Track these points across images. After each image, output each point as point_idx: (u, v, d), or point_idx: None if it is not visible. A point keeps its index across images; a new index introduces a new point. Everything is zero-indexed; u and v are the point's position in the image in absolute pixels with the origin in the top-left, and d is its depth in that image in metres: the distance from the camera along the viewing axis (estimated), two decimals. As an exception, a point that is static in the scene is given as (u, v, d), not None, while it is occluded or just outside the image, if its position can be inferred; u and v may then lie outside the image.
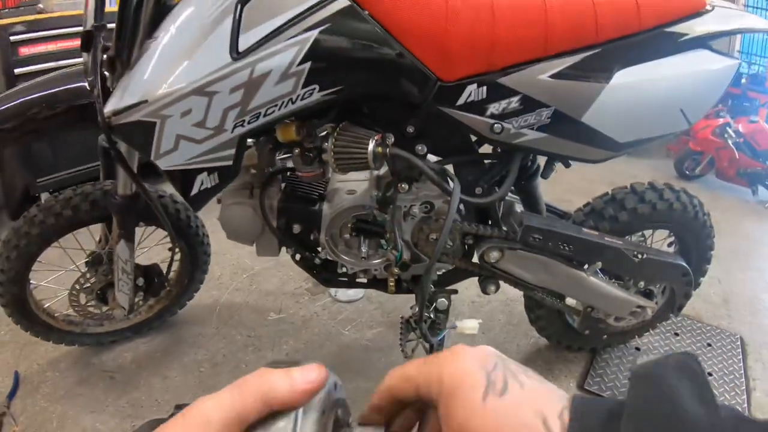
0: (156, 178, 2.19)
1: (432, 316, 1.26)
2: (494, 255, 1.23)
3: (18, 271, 1.44)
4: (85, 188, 1.45)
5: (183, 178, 1.08)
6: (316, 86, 1.02)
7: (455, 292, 1.32)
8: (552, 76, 1.09)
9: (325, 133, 1.15)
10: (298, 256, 1.36)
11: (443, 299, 1.26)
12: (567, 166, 1.29)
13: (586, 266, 1.29)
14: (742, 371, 1.67)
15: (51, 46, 2.35)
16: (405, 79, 1.07)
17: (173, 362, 1.64)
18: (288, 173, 1.34)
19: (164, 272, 1.58)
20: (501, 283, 1.37)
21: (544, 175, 1.34)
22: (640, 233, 1.48)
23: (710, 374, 1.66)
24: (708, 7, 1.17)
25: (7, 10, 2.51)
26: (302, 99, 1.02)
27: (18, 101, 1.34)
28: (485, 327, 1.79)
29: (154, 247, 1.67)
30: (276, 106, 1.02)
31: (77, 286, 1.51)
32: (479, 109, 1.10)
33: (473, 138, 1.21)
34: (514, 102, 1.09)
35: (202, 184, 1.09)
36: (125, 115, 1.01)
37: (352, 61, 1.04)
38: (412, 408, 0.35)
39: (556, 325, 1.61)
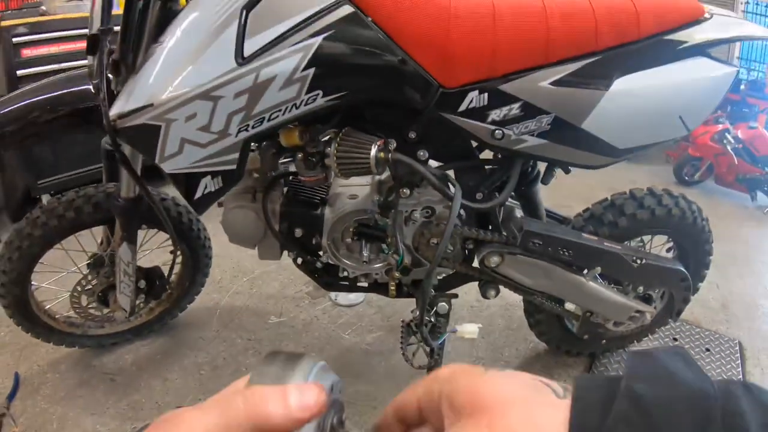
0: (158, 181, 2.21)
1: (432, 320, 1.27)
2: (494, 260, 1.24)
3: (20, 272, 1.44)
4: (87, 190, 1.46)
5: (187, 182, 1.09)
6: (320, 92, 1.03)
7: (456, 296, 1.33)
8: (552, 83, 1.10)
9: (327, 138, 1.16)
10: (299, 260, 1.37)
11: (444, 303, 1.27)
12: (567, 172, 1.31)
13: (585, 271, 1.30)
14: (741, 376, 1.68)
15: (53, 49, 2.36)
16: (407, 85, 1.08)
17: (174, 365, 1.64)
18: (290, 177, 1.35)
19: (165, 275, 1.59)
20: (501, 287, 1.38)
21: (544, 180, 1.35)
22: (638, 239, 1.49)
23: (709, 379, 1.67)
24: (707, 15, 1.18)
25: (9, 12, 2.53)
26: (306, 104, 1.03)
27: (21, 104, 1.35)
28: (484, 331, 1.80)
29: (155, 249, 1.67)
30: (280, 111, 1.03)
31: (79, 288, 1.52)
32: (481, 115, 1.11)
33: (474, 144, 1.22)
34: (515, 108, 1.11)
35: (206, 187, 1.10)
36: (130, 118, 1.02)
37: (356, 67, 1.05)
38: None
39: (555, 330, 1.61)
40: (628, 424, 0.25)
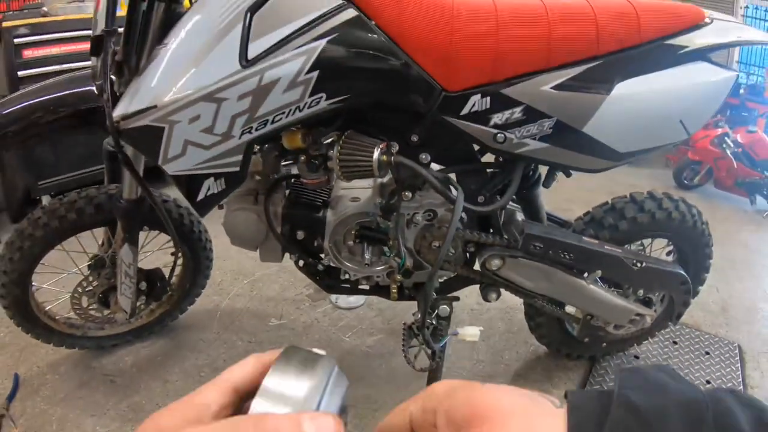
0: (160, 183, 2.21)
1: (434, 322, 1.27)
2: (496, 263, 1.24)
3: (21, 272, 1.44)
4: (89, 192, 1.46)
5: (190, 183, 1.09)
6: (324, 95, 1.03)
7: (457, 299, 1.33)
8: (554, 87, 1.11)
9: (330, 140, 1.16)
10: (301, 263, 1.37)
11: (445, 306, 1.27)
12: (568, 175, 1.31)
13: (586, 274, 1.31)
14: (740, 379, 1.68)
15: (55, 50, 2.36)
16: (410, 88, 1.09)
17: (174, 367, 1.64)
18: (292, 180, 1.35)
19: (166, 277, 1.59)
20: (502, 290, 1.38)
21: (545, 184, 1.35)
22: (639, 242, 1.50)
23: (708, 382, 1.67)
24: (707, 20, 1.19)
25: (11, 13, 2.53)
26: (309, 107, 1.04)
27: (23, 105, 1.35)
28: (485, 335, 1.80)
29: (156, 251, 1.67)
30: (283, 113, 1.03)
31: (79, 289, 1.51)
32: (483, 119, 1.11)
33: (476, 147, 1.23)
34: (517, 112, 1.11)
35: (208, 189, 1.10)
36: (134, 119, 1.02)
37: (359, 71, 1.05)
38: None
39: (555, 333, 1.62)
40: (625, 429, 0.26)
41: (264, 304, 1.95)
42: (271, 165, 1.28)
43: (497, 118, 1.12)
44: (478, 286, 1.40)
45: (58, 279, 1.62)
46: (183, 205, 1.57)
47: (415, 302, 1.38)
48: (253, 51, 0.99)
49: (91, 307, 1.56)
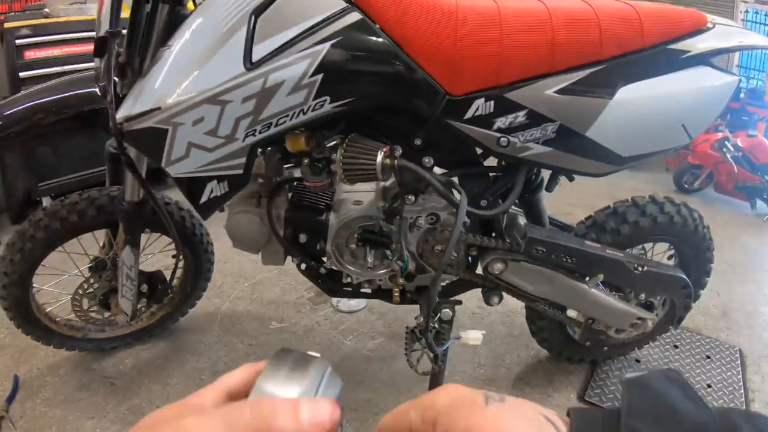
0: (162, 185, 2.21)
1: (436, 326, 1.27)
2: (498, 266, 1.24)
3: (21, 274, 1.44)
4: (91, 193, 1.45)
5: (193, 186, 1.09)
6: (328, 98, 1.03)
7: (459, 302, 1.33)
8: (558, 92, 1.11)
9: (333, 143, 1.16)
10: (303, 266, 1.37)
11: (447, 310, 1.27)
12: (571, 179, 1.31)
13: (587, 278, 1.31)
14: (741, 383, 1.68)
15: (56, 51, 2.37)
16: (414, 92, 1.09)
17: (174, 369, 1.64)
18: (295, 183, 1.35)
19: (168, 279, 1.58)
20: (504, 294, 1.38)
21: (548, 188, 1.35)
22: (640, 246, 1.50)
23: (709, 386, 1.67)
24: (709, 25, 1.19)
25: (13, 14, 2.53)
26: (313, 110, 1.04)
27: (25, 106, 1.36)
28: (486, 338, 1.79)
29: (157, 253, 1.67)
30: (287, 116, 1.03)
31: (80, 291, 1.51)
32: (486, 123, 1.11)
33: (479, 151, 1.23)
34: (520, 116, 1.11)
35: (211, 192, 1.10)
36: (137, 121, 1.02)
37: (363, 74, 1.05)
38: None
39: (557, 337, 1.61)
40: None
41: (265, 307, 1.94)
42: (274, 168, 1.27)
43: (501, 122, 1.12)
44: (479, 289, 1.40)
45: (59, 281, 1.62)
46: (185, 208, 1.57)
47: (417, 306, 1.38)
48: (258, 53, 0.99)
49: (91, 309, 1.56)
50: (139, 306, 1.55)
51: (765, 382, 1.70)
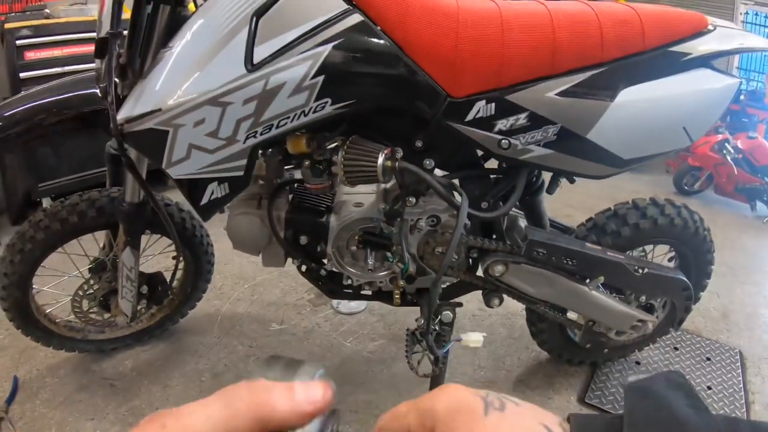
0: (162, 187, 2.21)
1: (437, 328, 1.26)
2: (499, 269, 1.24)
3: (21, 275, 1.44)
4: (91, 194, 1.45)
5: (194, 187, 1.09)
6: (329, 99, 1.03)
7: (460, 305, 1.33)
8: (559, 94, 1.11)
9: (334, 145, 1.16)
10: (304, 268, 1.37)
11: (448, 312, 1.27)
12: (572, 182, 1.31)
13: (588, 281, 1.30)
14: (742, 385, 1.68)
15: (57, 52, 2.37)
16: (416, 94, 1.09)
17: (174, 371, 1.64)
18: (296, 185, 1.35)
19: (168, 280, 1.58)
20: (504, 296, 1.38)
21: (549, 190, 1.35)
22: (641, 248, 1.50)
23: (709, 388, 1.67)
24: (710, 27, 1.19)
25: (13, 14, 2.53)
26: (314, 112, 1.03)
27: (25, 106, 1.36)
28: (486, 340, 1.78)
29: (157, 255, 1.67)
30: (288, 118, 1.03)
31: (80, 293, 1.51)
32: (487, 125, 1.11)
33: (480, 153, 1.23)
34: (521, 118, 1.11)
35: (212, 193, 1.10)
36: (138, 122, 1.02)
37: (365, 76, 1.05)
38: None
39: (557, 339, 1.61)
40: None
41: (265, 309, 1.94)
42: (275, 169, 1.27)
43: (502, 124, 1.12)
44: (479, 291, 1.40)
45: (59, 282, 1.62)
46: (185, 209, 1.57)
47: (417, 308, 1.38)
48: (259, 55, 0.99)
49: (91, 311, 1.56)
50: (139, 307, 1.55)
51: (765, 384, 1.70)
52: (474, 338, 1.21)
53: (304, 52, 0.99)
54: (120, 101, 1.06)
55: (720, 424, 0.26)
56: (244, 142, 1.04)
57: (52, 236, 1.42)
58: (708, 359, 1.80)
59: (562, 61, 1.10)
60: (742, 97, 3.60)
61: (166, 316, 1.72)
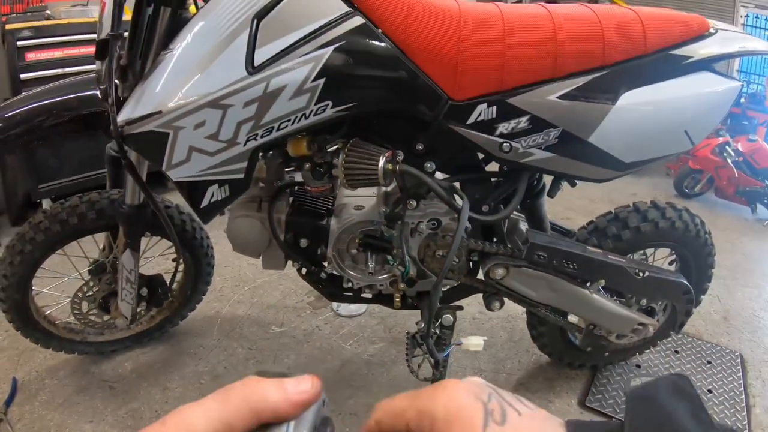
0: (162, 189, 2.20)
1: (437, 332, 1.26)
2: (499, 272, 1.24)
3: (21, 276, 1.44)
4: (91, 196, 1.45)
5: (194, 190, 1.09)
6: (330, 102, 1.03)
7: (461, 308, 1.32)
8: (560, 97, 1.10)
9: (335, 148, 1.16)
10: (304, 270, 1.36)
11: (449, 315, 1.27)
12: (573, 185, 1.31)
13: (589, 284, 1.30)
14: (742, 388, 1.68)
15: (57, 53, 2.37)
16: (417, 97, 1.08)
17: (174, 373, 1.63)
18: (296, 187, 1.34)
19: (167, 283, 1.58)
20: (505, 299, 1.37)
21: (550, 193, 1.35)
22: (641, 251, 1.49)
23: (710, 391, 1.67)
24: (711, 30, 1.19)
25: (14, 15, 2.53)
26: (315, 114, 1.03)
27: (25, 107, 1.35)
28: (487, 344, 1.77)
29: (157, 257, 1.67)
30: (289, 120, 1.03)
31: (80, 294, 1.51)
32: (489, 128, 1.11)
33: (481, 156, 1.22)
34: (523, 122, 1.11)
35: (212, 196, 1.09)
36: (138, 124, 1.01)
37: (366, 79, 1.05)
38: None
39: (557, 342, 1.61)
40: None
41: (265, 312, 1.94)
42: (275, 172, 1.27)
43: (503, 128, 1.11)
44: (480, 294, 1.40)
45: (59, 283, 1.61)
46: (185, 211, 1.57)
47: (418, 311, 1.37)
48: (260, 57, 0.99)
49: (91, 313, 1.56)
50: (138, 309, 1.54)
51: (766, 387, 1.70)
52: (474, 342, 1.21)
53: (305, 54, 0.99)
54: (120, 103, 1.06)
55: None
56: (245, 145, 1.04)
57: (51, 238, 1.42)
58: (709, 362, 1.79)
59: (564, 64, 1.10)
60: (742, 100, 3.60)
61: (166, 318, 1.72)
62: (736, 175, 3.10)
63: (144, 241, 1.49)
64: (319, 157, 1.15)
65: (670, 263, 1.57)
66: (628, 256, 1.40)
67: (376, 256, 1.29)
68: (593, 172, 1.20)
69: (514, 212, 1.36)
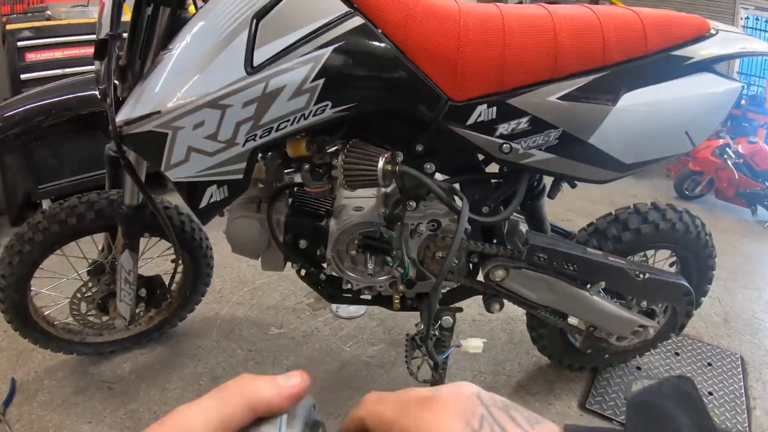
0: (161, 189, 2.20)
1: (437, 333, 1.26)
2: (499, 274, 1.23)
3: (20, 277, 1.43)
4: (90, 196, 1.45)
5: (193, 190, 1.08)
6: (329, 103, 1.02)
7: (460, 310, 1.32)
8: (561, 98, 1.10)
9: (334, 149, 1.15)
10: (303, 272, 1.36)
11: (448, 317, 1.26)
12: (573, 186, 1.30)
13: (589, 286, 1.30)
14: (743, 390, 1.67)
15: (58, 53, 2.37)
16: (416, 97, 1.08)
17: (172, 374, 1.63)
18: (295, 188, 1.34)
19: (166, 284, 1.57)
20: (504, 301, 1.37)
21: (550, 195, 1.34)
22: (642, 253, 1.49)
23: (710, 393, 1.66)
24: (712, 31, 1.19)
25: (15, 16, 2.53)
26: (314, 115, 1.03)
27: (25, 107, 1.35)
28: (486, 345, 1.77)
29: (156, 258, 1.66)
30: (288, 121, 1.02)
31: (78, 295, 1.50)
32: (489, 129, 1.11)
33: (481, 157, 1.22)
34: (523, 123, 1.10)
35: (211, 196, 1.09)
36: (137, 125, 1.01)
37: (365, 79, 1.05)
38: None
39: (558, 344, 1.60)
40: None
41: (264, 313, 1.93)
42: (275, 173, 1.27)
43: (503, 128, 1.11)
44: (479, 296, 1.39)
45: (58, 284, 1.61)
46: (184, 212, 1.57)
47: (417, 312, 1.37)
48: (259, 58, 0.99)
49: (89, 313, 1.55)
50: (137, 310, 1.54)
51: (766, 389, 1.69)
52: (474, 344, 1.20)
53: (304, 54, 0.99)
54: (119, 103, 1.05)
55: None
56: (244, 145, 1.04)
57: (50, 238, 1.41)
58: (709, 364, 1.79)
59: (564, 65, 1.10)
60: (743, 102, 3.59)
61: (165, 319, 1.71)
62: (737, 177, 3.10)
63: (143, 241, 1.49)
64: (319, 157, 1.15)
65: (671, 265, 1.56)
66: (629, 257, 1.40)
67: (375, 257, 1.28)
68: (593, 174, 1.20)
69: (514, 214, 1.35)
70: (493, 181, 1.27)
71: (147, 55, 1.08)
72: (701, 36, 1.17)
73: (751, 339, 1.94)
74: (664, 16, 1.16)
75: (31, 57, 2.31)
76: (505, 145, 1.12)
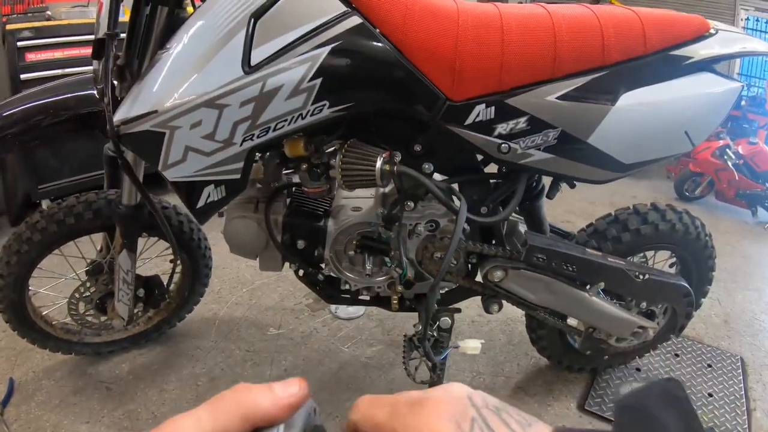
0: (160, 189, 2.20)
1: (435, 334, 1.25)
2: (498, 274, 1.23)
3: (18, 276, 1.43)
4: (88, 196, 1.45)
5: (190, 190, 1.08)
6: (326, 102, 1.02)
7: (458, 310, 1.31)
8: (559, 98, 1.10)
9: (332, 149, 1.15)
10: (301, 272, 1.36)
11: (446, 318, 1.26)
12: (572, 186, 1.30)
13: (588, 287, 1.29)
14: (743, 392, 1.67)
15: (57, 53, 2.37)
16: (414, 97, 1.08)
17: (171, 375, 1.62)
18: (293, 188, 1.34)
19: (165, 284, 1.57)
20: (503, 302, 1.36)
21: (549, 195, 1.34)
22: (641, 254, 1.49)
23: (711, 395, 1.65)
24: (712, 31, 1.18)
25: (15, 16, 2.53)
26: (312, 115, 1.02)
27: (24, 107, 1.35)
28: (485, 347, 1.78)
29: (154, 258, 1.66)
30: (286, 121, 1.02)
31: (77, 295, 1.50)
32: (487, 129, 1.10)
33: (479, 157, 1.22)
34: (521, 122, 1.10)
35: (208, 196, 1.09)
36: (134, 124, 1.01)
37: (363, 79, 1.04)
38: None
39: (557, 346, 1.60)
40: None
41: (263, 314, 1.93)
42: (272, 173, 1.26)
43: (502, 128, 1.11)
44: (478, 297, 1.39)
45: (56, 284, 1.61)
46: (182, 212, 1.56)
47: (416, 313, 1.36)
48: (256, 57, 0.98)
49: (88, 313, 1.55)
50: (135, 310, 1.53)
51: (766, 390, 1.69)
52: (472, 345, 1.20)
53: (302, 54, 0.98)
54: (117, 103, 1.05)
55: None
56: (241, 145, 1.04)
57: (48, 238, 1.41)
58: (709, 366, 1.78)
59: (563, 65, 1.09)
60: (743, 102, 3.59)
61: (163, 319, 1.71)
62: (737, 178, 3.09)
63: (141, 241, 1.48)
64: (317, 158, 1.14)
65: (671, 266, 1.56)
66: (628, 258, 1.39)
67: (373, 257, 1.28)
68: (593, 174, 1.19)
69: (513, 214, 1.35)
70: (491, 181, 1.27)
71: (145, 54, 1.08)
72: (701, 36, 1.17)
73: (751, 340, 1.93)
74: (663, 15, 1.16)
75: (31, 57, 2.31)
76: (503, 145, 1.12)
